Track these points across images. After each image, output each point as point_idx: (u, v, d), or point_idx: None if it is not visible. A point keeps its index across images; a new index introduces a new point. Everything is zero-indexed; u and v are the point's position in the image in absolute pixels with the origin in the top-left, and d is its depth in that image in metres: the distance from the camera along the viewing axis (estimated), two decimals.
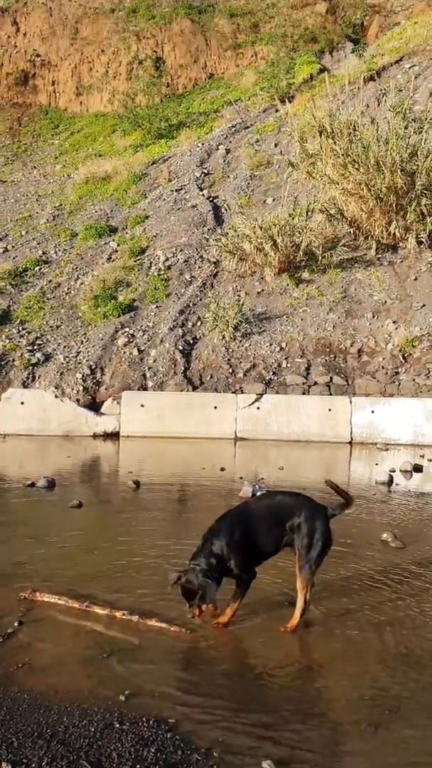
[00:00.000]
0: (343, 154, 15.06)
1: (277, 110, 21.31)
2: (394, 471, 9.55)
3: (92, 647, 3.70)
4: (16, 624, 3.95)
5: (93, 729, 2.91)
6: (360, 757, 2.80)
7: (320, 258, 15.46)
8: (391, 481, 8.92)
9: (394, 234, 15.49)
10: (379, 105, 20.11)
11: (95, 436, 12.60)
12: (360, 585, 4.85)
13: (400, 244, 15.77)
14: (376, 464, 10.40)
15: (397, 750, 2.86)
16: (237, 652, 3.80)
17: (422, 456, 11.01)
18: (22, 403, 12.84)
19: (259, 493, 7.81)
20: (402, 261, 15.80)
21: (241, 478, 8.74)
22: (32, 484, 8.12)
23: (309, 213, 15.60)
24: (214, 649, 3.80)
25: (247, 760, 2.72)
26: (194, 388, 13.37)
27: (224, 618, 3.99)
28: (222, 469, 9.64)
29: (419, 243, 15.41)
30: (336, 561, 5.00)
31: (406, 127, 15.49)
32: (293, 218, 15.32)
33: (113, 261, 17.20)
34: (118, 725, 2.94)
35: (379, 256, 15.93)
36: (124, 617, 4.09)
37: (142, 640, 3.80)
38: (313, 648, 3.82)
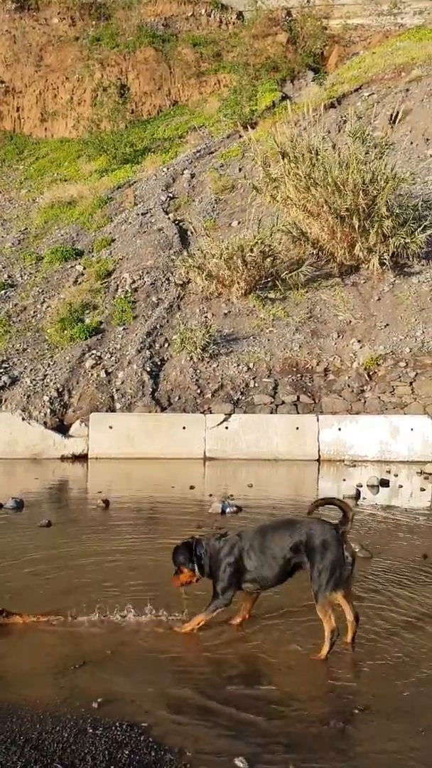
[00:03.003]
0: (305, 177, 15.41)
1: (240, 136, 21.73)
2: (361, 486, 9.70)
3: (64, 658, 3.71)
4: None
5: (66, 735, 2.92)
6: (329, 752, 2.86)
7: (286, 279, 15.73)
8: (358, 495, 9.05)
9: (357, 255, 15.86)
10: (339, 131, 20.69)
11: (63, 458, 12.53)
12: None
13: (363, 265, 16.14)
14: (344, 480, 10.55)
15: (363, 745, 2.93)
16: (206, 656, 3.84)
17: (388, 471, 11.18)
18: None
19: (228, 510, 7.87)
20: (365, 282, 16.16)
21: (210, 495, 8.79)
22: (0, 506, 8.05)
23: (273, 234, 15.89)
24: (184, 655, 3.83)
25: (220, 757, 2.77)
26: (163, 409, 13.40)
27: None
28: (191, 488, 9.68)
29: (382, 264, 15.79)
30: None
31: (366, 152, 15.95)
32: (258, 240, 15.58)
33: (79, 284, 17.24)
34: (91, 730, 2.96)
35: (343, 276, 16.28)
36: (120, 617, 4.19)
37: (113, 650, 3.82)
38: (281, 651, 3.87)
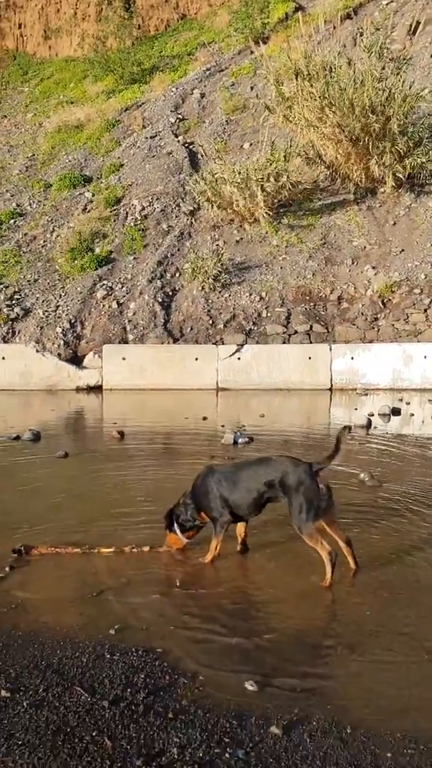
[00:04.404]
0: (319, 97, 14.84)
1: (252, 52, 20.81)
2: (372, 415, 9.76)
3: (82, 587, 3.87)
4: (7, 569, 4.11)
5: (85, 660, 3.08)
6: (335, 675, 3.01)
7: (300, 204, 15.39)
8: (369, 424, 9.13)
9: (373, 177, 15.42)
10: (356, 45, 19.71)
11: (78, 389, 12.69)
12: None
13: (379, 187, 15.71)
14: (356, 409, 10.61)
15: (370, 669, 3.07)
16: (219, 584, 3.98)
17: (400, 399, 11.23)
18: (3, 358, 12.86)
19: (240, 440, 7.99)
20: (381, 206, 15.78)
21: (222, 426, 8.90)
22: (17, 437, 8.22)
23: (287, 157, 15.45)
24: (197, 583, 3.99)
25: (232, 681, 2.91)
26: (175, 341, 13.42)
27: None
28: (204, 419, 9.80)
29: (398, 186, 15.36)
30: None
31: (383, 68, 15.25)
32: (271, 163, 15.16)
33: (88, 212, 16.99)
34: (108, 656, 3.12)
35: (358, 200, 15.89)
36: (134, 551, 4.35)
37: (129, 579, 3.98)
38: (292, 578, 4.02)
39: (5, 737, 2.55)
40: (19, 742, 2.52)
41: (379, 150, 14.95)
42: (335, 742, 2.54)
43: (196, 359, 12.69)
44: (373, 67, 14.90)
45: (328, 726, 2.64)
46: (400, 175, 15.11)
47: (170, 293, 14.32)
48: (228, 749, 2.49)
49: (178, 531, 4.34)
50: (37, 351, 12.98)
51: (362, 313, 13.61)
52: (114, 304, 14.09)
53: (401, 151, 14.88)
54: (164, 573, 4.15)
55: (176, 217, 16.29)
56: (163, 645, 3.22)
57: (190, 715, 2.69)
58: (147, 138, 19.27)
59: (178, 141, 18.89)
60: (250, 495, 4.13)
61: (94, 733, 2.58)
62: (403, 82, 15.10)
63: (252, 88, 20.30)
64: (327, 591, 3.84)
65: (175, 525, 4.34)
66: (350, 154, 15.28)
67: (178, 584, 3.96)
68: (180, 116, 20.24)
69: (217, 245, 15.24)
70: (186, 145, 18.76)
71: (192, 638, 3.31)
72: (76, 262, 15.20)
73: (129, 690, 2.85)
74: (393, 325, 13.34)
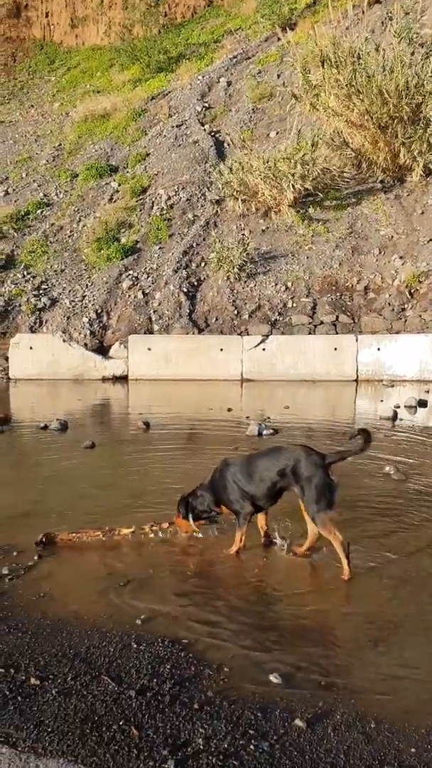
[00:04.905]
0: (346, 85, 14.65)
1: (279, 39, 20.60)
2: (398, 407, 9.69)
3: (108, 577, 3.93)
4: (35, 558, 4.18)
5: (112, 649, 3.14)
6: (359, 669, 3.03)
7: (326, 193, 15.25)
8: (395, 416, 9.06)
9: (401, 165, 15.22)
10: (385, 30, 19.39)
11: (104, 379, 12.78)
12: (361, 514, 5.05)
13: (407, 175, 15.50)
14: (381, 401, 10.55)
15: (394, 663, 3.08)
16: (246, 576, 4.02)
17: (427, 391, 11.13)
18: (31, 348, 13.00)
19: (265, 432, 8.00)
20: (408, 194, 15.58)
21: (247, 417, 8.91)
22: (45, 427, 8.33)
23: (314, 146, 15.29)
24: (224, 574, 4.02)
25: (256, 673, 2.95)
26: (200, 331, 13.44)
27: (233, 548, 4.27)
28: (229, 410, 9.81)
29: (427, 174, 15.14)
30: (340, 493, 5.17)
31: (412, 54, 15.00)
32: (298, 153, 15.02)
33: (115, 202, 17.03)
34: (135, 646, 3.17)
35: (386, 189, 15.70)
36: (153, 529, 4.48)
37: (155, 570, 4.02)
38: (317, 572, 4.04)
39: (35, 724, 2.61)
40: (48, 729, 2.59)
41: (409, 136, 14.73)
42: (359, 737, 2.57)
43: (221, 350, 12.70)
44: (402, 52, 14.66)
45: (352, 720, 2.66)
46: (431, 165, 14.89)
47: (195, 283, 14.32)
48: (253, 741, 2.53)
49: (191, 519, 4.41)
50: (64, 341, 13.10)
51: (389, 304, 13.49)
52: (139, 294, 14.15)
53: (431, 139, 14.66)
54: (189, 565, 4.20)
55: (202, 206, 16.26)
56: (189, 636, 3.27)
57: (215, 707, 2.73)
58: (173, 127, 19.22)
59: (205, 130, 18.81)
60: (264, 485, 4.18)
61: (121, 722, 2.63)
62: None
63: (279, 76, 20.12)
64: (349, 584, 3.85)
65: (190, 514, 4.41)
66: (377, 141, 15.09)
67: (199, 575, 4.00)
68: (206, 105, 20.15)
69: (243, 235, 15.19)
70: (212, 134, 18.68)
71: (217, 629, 3.35)
72: (102, 252, 15.27)
73: (155, 680, 2.90)
74: (420, 315, 13.19)
